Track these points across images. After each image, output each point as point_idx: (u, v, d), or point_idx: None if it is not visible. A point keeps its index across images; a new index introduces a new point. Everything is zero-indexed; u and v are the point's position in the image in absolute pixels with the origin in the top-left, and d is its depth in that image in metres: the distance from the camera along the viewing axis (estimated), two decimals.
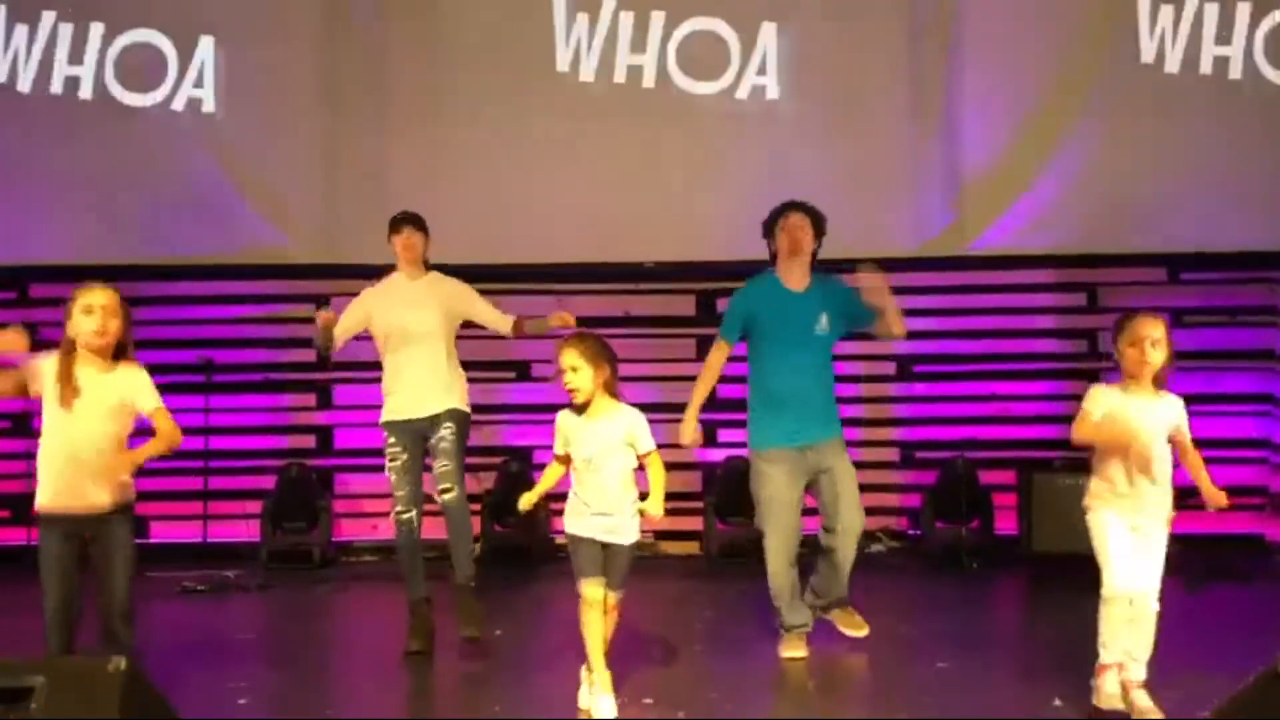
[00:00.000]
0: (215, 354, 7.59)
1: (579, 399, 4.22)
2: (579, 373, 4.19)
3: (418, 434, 5.27)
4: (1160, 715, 4.02)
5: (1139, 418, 4.07)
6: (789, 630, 5.10)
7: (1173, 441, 4.13)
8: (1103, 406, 4.13)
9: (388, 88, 7.58)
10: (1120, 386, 4.15)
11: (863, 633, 5.10)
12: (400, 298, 5.35)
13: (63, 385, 3.99)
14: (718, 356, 5.30)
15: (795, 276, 5.19)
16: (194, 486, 7.48)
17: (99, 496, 4.03)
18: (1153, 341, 4.07)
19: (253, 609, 6.43)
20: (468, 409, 5.36)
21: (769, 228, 5.28)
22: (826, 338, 5.18)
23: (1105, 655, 4.12)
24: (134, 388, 4.10)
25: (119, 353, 4.10)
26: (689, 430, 5.21)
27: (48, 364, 4.05)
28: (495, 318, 5.47)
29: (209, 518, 7.47)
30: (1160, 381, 4.13)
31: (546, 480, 4.39)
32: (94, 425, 4.02)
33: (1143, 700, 4.07)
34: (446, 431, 5.24)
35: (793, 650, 5.06)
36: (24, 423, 7.35)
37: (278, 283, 7.82)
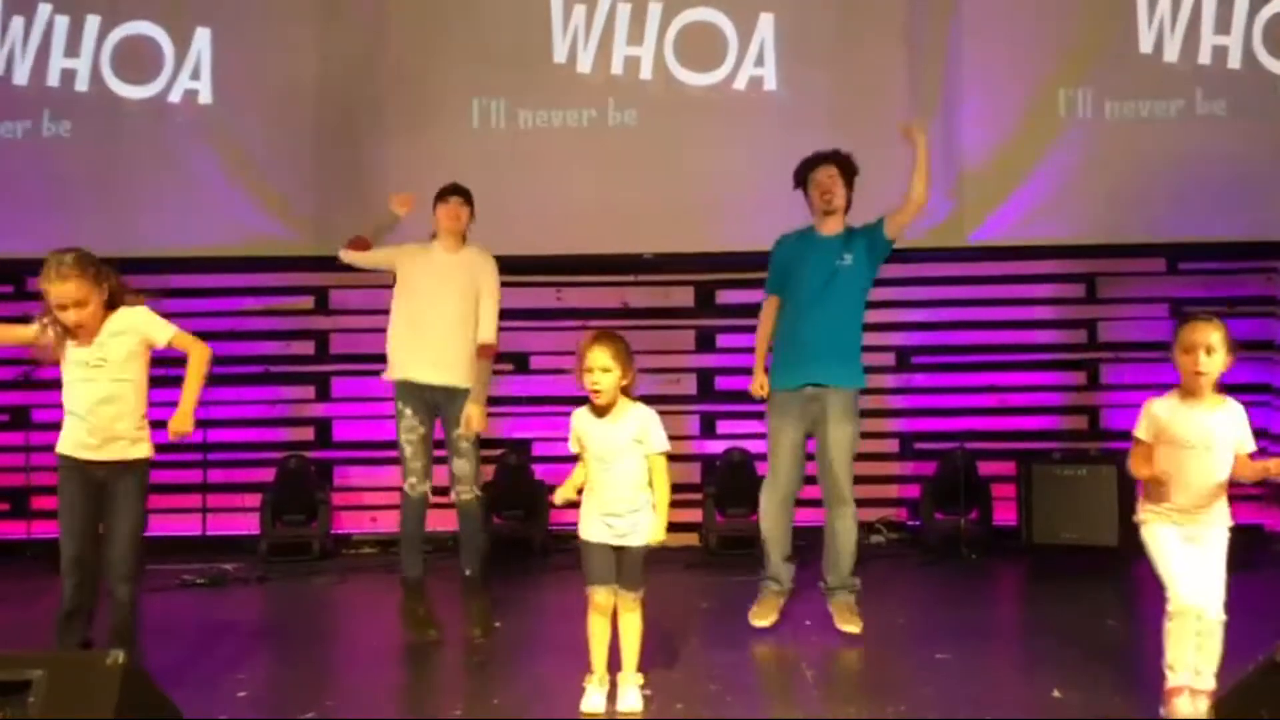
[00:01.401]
0: (213, 346, 7.52)
1: (602, 400, 4.13)
2: (610, 374, 4.10)
3: (430, 405, 5.25)
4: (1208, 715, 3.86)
5: (1195, 432, 3.91)
6: (763, 582, 5.16)
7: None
8: (1152, 425, 3.98)
9: (385, 78, 7.58)
10: (1177, 394, 3.97)
11: (854, 629, 5.08)
12: (431, 267, 5.32)
13: (58, 349, 4.04)
14: (767, 310, 5.39)
15: (829, 225, 5.26)
16: (193, 479, 7.48)
17: (114, 449, 4.04)
18: (1207, 348, 3.87)
19: (252, 602, 6.42)
20: None
21: (800, 180, 5.30)
22: (850, 271, 5.14)
23: (1173, 678, 3.91)
24: (137, 328, 4.09)
25: (112, 303, 4.08)
26: (757, 384, 5.31)
27: (41, 329, 4.07)
28: (487, 322, 5.33)
29: (208, 511, 7.47)
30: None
31: (577, 477, 4.23)
32: (106, 379, 4.01)
33: (1204, 706, 3.89)
34: (467, 429, 5.24)
35: (760, 617, 5.12)
36: (22, 416, 7.35)
37: (276, 275, 7.82)
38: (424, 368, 5.22)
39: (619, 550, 4.20)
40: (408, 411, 5.24)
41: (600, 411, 4.17)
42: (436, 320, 5.23)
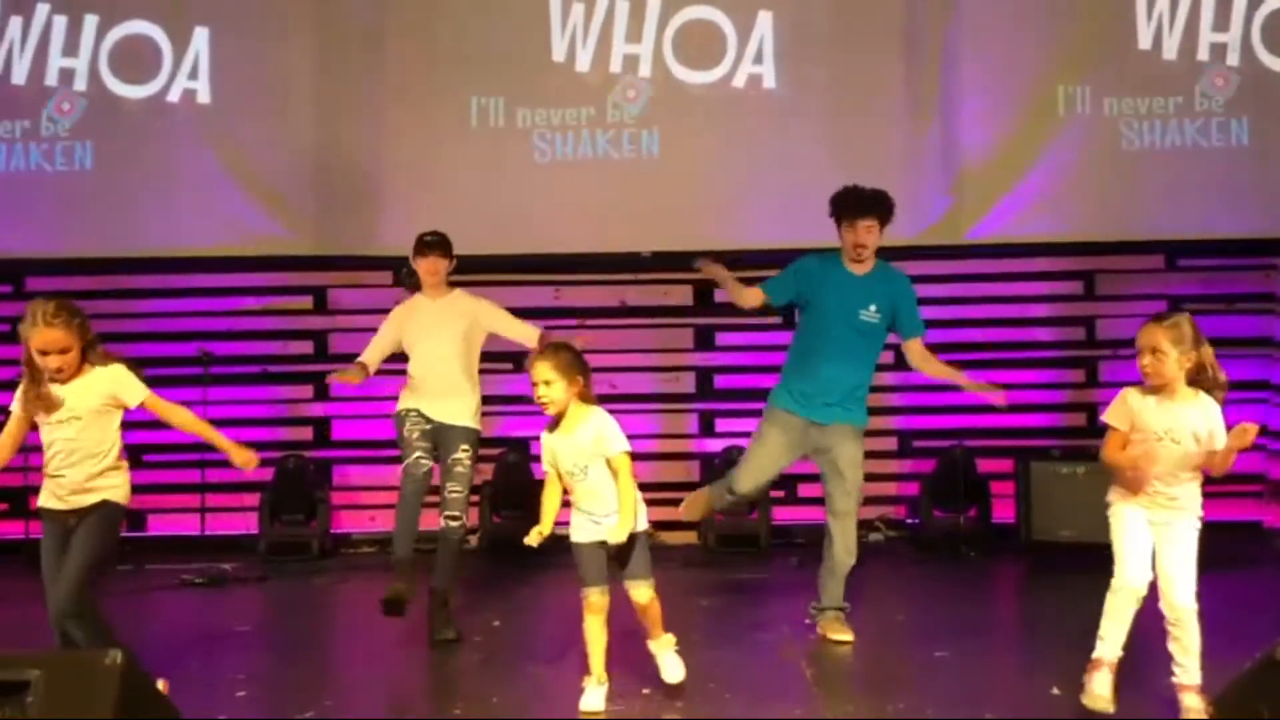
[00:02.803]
0: (212, 346, 7.58)
1: (552, 411, 4.19)
2: (552, 386, 4.14)
3: (432, 426, 5.35)
4: (1204, 714, 3.90)
5: (1163, 424, 3.97)
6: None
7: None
8: (1126, 413, 4.06)
9: (383, 77, 7.56)
10: (1150, 389, 4.04)
11: (847, 637, 5.08)
12: (420, 319, 5.45)
13: (38, 401, 4.02)
14: (752, 294, 5.30)
15: (859, 265, 5.22)
16: (192, 479, 7.47)
17: (81, 499, 4.05)
18: (1152, 350, 3.94)
19: (251, 601, 6.43)
20: (479, 426, 5.42)
21: (836, 214, 5.20)
22: (873, 326, 5.16)
23: (1100, 649, 4.06)
24: (109, 387, 4.08)
25: (89, 357, 4.07)
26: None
27: (19, 393, 4.07)
28: (519, 331, 5.48)
29: (207, 510, 7.47)
30: (1208, 383, 3.97)
31: (549, 504, 4.29)
32: (80, 428, 4.04)
33: (1191, 701, 3.96)
34: (463, 454, 5.31)
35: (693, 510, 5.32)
36: None
37: (274, 274, 7.81)
38: (426, 406, 5.35)
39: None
40: (414, 414, 5.35)
41: (556, 424, 4.22)
42: (431, 369, 5.37)
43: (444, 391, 5.34)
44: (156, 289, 7.71)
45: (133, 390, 4.12)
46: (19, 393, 4.11)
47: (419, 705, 4.59)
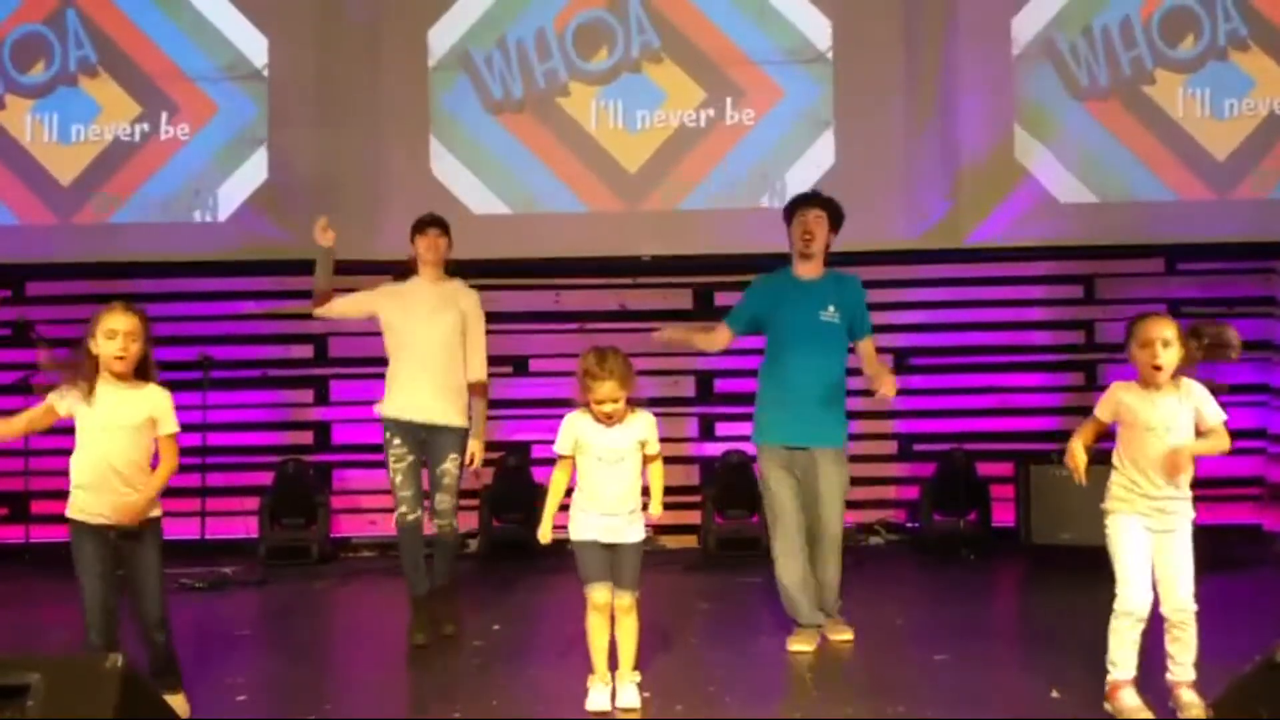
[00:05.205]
0: (212, 350, 7.58)
1: (614, 423, 4.23)
2: (619, 402, 4.19)
3: (419, 439, 5.29)
4: (1204, 714, 3.88)
5: (1156, 416, 3.99)
6: (803, 627, 5.11)
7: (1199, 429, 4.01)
8: (1113, 407, 4.08)
9: (383, 83, 7.58)
10: (1139, 383, 4.06)
11: (847, 636, 5.10)
12: (418, 301, 5.34)
13: (85, 396, 4.04)
14: (720, 334, 5.33)
15: (807, 268, 5.21)
16: (192, 483, 7.46)
17: (127, 511, 4.04)
18: (1164, 342, 3.98)
19: (251, 605, 6.42)
20: (468, 424, 5.36)
21: (787, 217, 5.28)
22: (835, 327, 5.13)
23: (1116, 672, 4.01)
24: (159, 408, 4.14)
25: (141, 372, 4.12)
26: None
27: (58, 393, 4.08)
28: (478, 360, 5.39)
29: (207, 514, 7.46)
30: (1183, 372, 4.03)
31: (555, 493, 4.31)
32: (123, 440, 4.05)
33: (1188, 697, 3.97)
34: (451, 465, 5.27)
35: (801, 644, 5.05)
36: None
37: (274, 279, 7.81)
38: (413, 407, 5.26)
39: (613, 549, 4.25)
40: (395, 441, 5.28)
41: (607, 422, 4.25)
42: (425, 355, 5.26)
43: (438, 378, 5.24)
44: (156, 293, 7.71)
45: (169, 420, 4.15)
46: (57, 393, 4.09)
47: (419, 708, 4.60)
